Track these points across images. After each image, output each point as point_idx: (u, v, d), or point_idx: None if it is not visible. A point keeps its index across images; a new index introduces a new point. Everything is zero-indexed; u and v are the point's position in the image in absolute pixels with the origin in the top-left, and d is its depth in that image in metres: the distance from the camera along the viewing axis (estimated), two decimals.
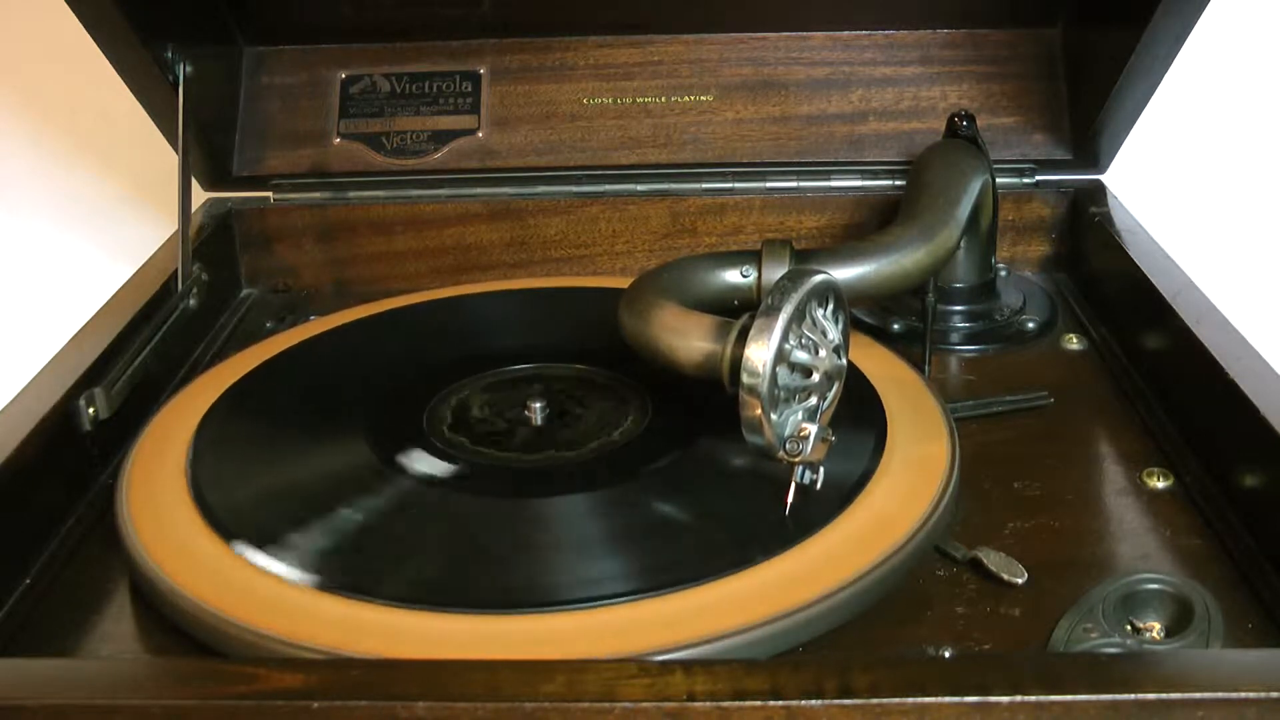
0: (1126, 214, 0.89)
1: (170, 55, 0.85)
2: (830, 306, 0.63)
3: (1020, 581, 0.59)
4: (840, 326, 0.63)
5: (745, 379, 0.58)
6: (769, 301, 0.59)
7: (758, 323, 0.59)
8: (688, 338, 0.63)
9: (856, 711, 0.44)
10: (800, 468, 0.60)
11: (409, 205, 0.95)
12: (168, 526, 0.62)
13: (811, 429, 0.60)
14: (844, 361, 0.63)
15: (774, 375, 0.58)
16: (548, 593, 0.56)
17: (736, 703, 0.44)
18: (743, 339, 0.59)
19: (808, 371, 0.61)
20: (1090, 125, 0.91)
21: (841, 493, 0.62)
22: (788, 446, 0.60)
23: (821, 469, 0.61)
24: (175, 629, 0.57)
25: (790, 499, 0.60)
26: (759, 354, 0.58)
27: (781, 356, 0.59)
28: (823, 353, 0.61)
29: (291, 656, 0.52)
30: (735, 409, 0.59)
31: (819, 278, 0.61)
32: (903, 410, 0.70)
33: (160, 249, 0.89)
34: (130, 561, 0.60)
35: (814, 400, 0.61)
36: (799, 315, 0.60)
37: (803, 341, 0.60)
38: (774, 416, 0.59)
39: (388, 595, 0.55)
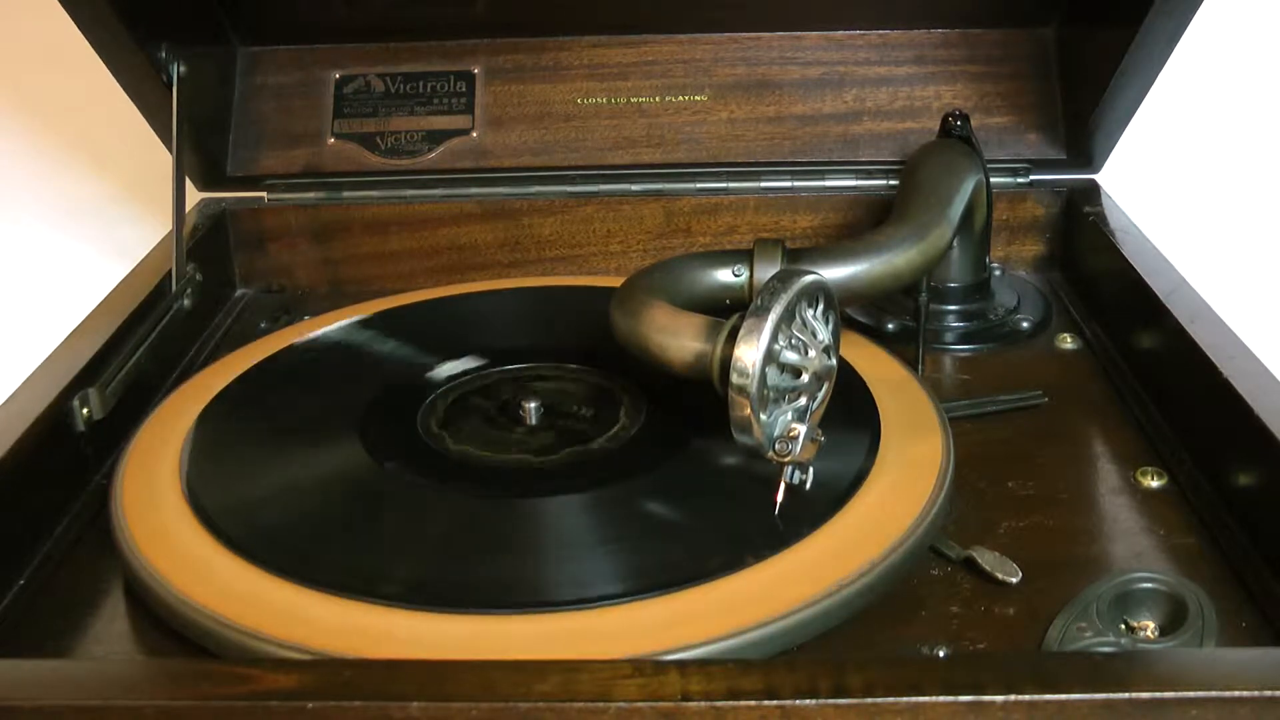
0: (1120, 213, 0.89)
1: (164, 55, 0.85)
2: (820, 307, 0.63)
3: (1015, 581, 0.59)
4: (830, 327, 0.63)
5: (734, 379, 0.58)
6: (758, 302, 0.59)
7: (747, 323, 0.59)
8: (678, 337, 0.63)
9: (851, 711, 0.44)
10: (790, 468, 0.60)
11: (403, 205, 0.95)
12: (161, 527, 0.61)
13: (801, 429, 0.60)
14: (834, 362, 0.63)
15: (763, 375, 0.58)
16: (542, 593, 0.56)
17: (731, 702, 0.44)
18: (732, 339, 0.59)
19: (797, 372, 0.61)
20: (1084, 125, 0.91)
21: (836, 493, 0.62)
22: (777, 446, 0.60)
23: (811, 469, 0.61)
24: (169, 630, 0.57)
25: (780, 499, 0.60)
26: (748, 354, 0.58)
27: (770, 357, 0.59)
28: (812, 353, 0.61)
29: (286, 657, 0.52)
30: (726, 409, 0.59)
31: (808, 278, 0.61)
32: (897, 410, 0.70)
33: (154, 249, 0.89)
34: (124, 562, 0.60)
35: (803, 400, 0.61)
36: (788, 315, 0.60)
37: (792, 342, 0.60)
38: (763, 416, 0.59)
39: (382, 595, 0.55)
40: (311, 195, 0.95)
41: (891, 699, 0.44)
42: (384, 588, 0.56)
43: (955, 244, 0.81)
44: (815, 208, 0.94)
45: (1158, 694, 0.44)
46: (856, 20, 0.95)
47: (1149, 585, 0.57)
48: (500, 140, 0.96)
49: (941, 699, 0.44)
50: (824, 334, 0.63)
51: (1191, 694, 0.44)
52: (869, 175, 0.94)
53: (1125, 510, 0.65)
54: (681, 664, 0.46)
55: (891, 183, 0.92)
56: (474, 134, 0.96)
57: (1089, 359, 0.81)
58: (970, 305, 0.86)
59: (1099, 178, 0.95)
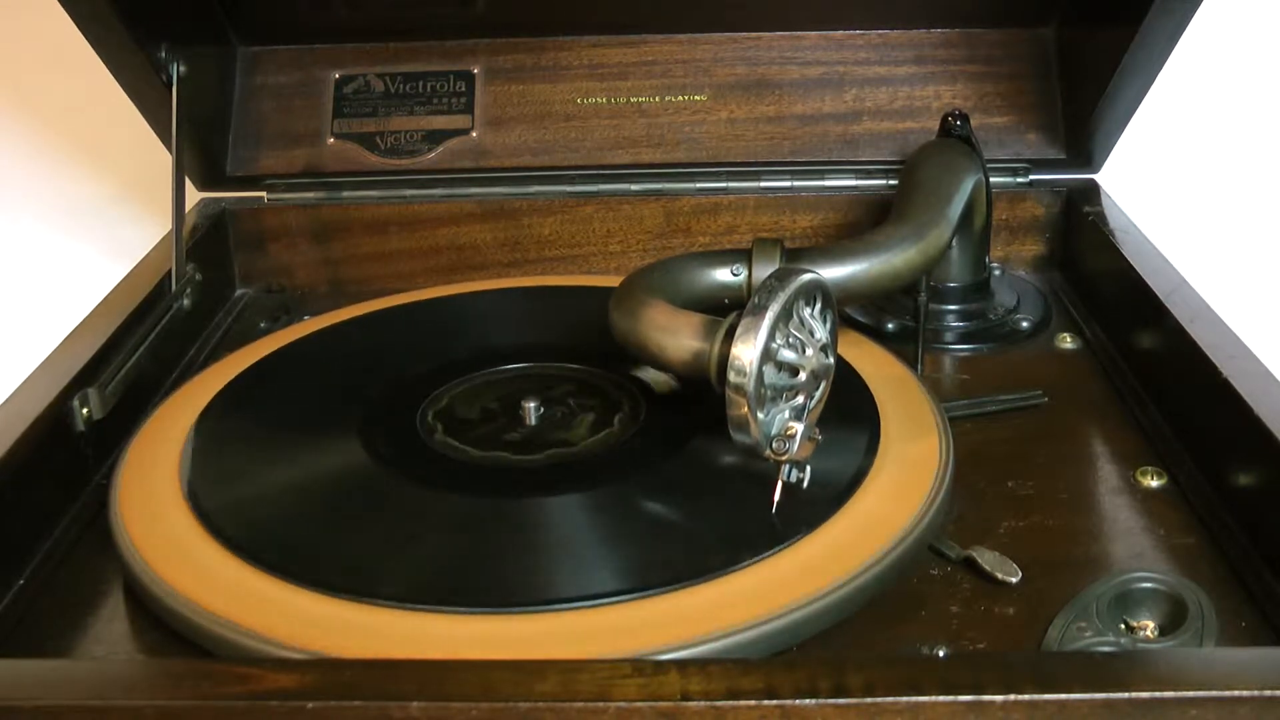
0: (1120, 213, 0.89)
1: (164, 55, 0.85)
2: (818, 305, 0.63)
3: (1014, 580, 0.59)
4: (828, 326, 0.63)
5: (732, 377, 0.58)
6: (755, 300, 0.59)
7: (744, 321, 0.59)
8: (677, 336, 0.63)
9: (851, 711, 0.44)
10: (787, 466, 0.60)
11: (403, 205, 0.95)
12: (161, 527, 0.61)
13: (798, 428, 0.60)
14: (831, 361, 0.63)
15: (760, 374, 0.58)
16: (542, 592, 0.56)
17: (731, 702, 0.44)
18: (730, 337, 0.59)
19: (794, 370, 0.61)
20: (1084, 124, 0.91)
21: (835, 491, 0.62)
22: (774, 445, 0.60)
23: (808, 468, 0.61)
24: (169, 630, 0.57)
25: (776, 497, 0.60)
26: (745, 353, 0.58)
27: (768, 355, 0.59)
28: (810, 352, 0.61)
29: (285, 657, 0.52)
30: (724, 407, 0.59)
31: (806, 277, 0.61)
32: (896, 409, 0.70)
33: (154, 249, 0.89)
34: (123, 562, 0.60)
35: (801, 399, 0.61)
36: (786, 314, 0.60)
37: (790, 340, 0.60)
38: (760, 415, 0.59)
39: (382, 595, 0.55)
40: (311, 195, 0.95)
41: (891, 699, 0.44)
42: (384, 588, 0.56)
43: (955, 244, 0.81)
44: (815, 208, 0.94)
45: (1158, 694, 0.44)
46: (856, 20, 0.95)
47: (1149, 585, 0.57)
48: (500, 140, 0.96)
49: (941, 699, 0.44)
50: (822, 332, 0.63)
51: (1191, 694, 0.44)
52: (869, 175, 0.94)
53: (1125, 510, 0.65)
54: (681, 664, 0.46)
55: (891, 183, 0.92)
56: (474, 134, 0.96)
57: (1089, 359, 0.81)
58: (970, 305, 0.86)
59: (1099, 178, 0.95)
